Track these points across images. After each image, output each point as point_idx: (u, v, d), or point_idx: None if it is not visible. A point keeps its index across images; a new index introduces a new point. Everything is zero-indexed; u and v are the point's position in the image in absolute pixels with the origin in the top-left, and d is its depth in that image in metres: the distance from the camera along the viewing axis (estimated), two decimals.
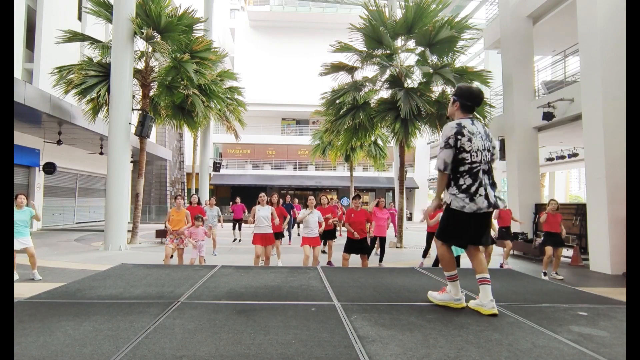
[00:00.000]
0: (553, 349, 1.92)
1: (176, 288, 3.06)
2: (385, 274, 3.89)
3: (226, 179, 26.77)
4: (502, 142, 11.26)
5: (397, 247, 10.78)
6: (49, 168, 13.51)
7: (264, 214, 6.00)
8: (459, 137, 2.45)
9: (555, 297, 3.04)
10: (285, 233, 9.45)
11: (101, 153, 15.31)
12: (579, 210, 8.94)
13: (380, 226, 7.19)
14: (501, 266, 7.54)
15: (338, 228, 7.19)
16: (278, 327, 2.17)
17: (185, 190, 24.51)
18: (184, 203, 8.51)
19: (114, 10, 9.84)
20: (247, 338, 1.98)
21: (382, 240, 7.50)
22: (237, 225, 11.54)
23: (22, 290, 4.41)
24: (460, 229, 2.54)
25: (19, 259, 6.97)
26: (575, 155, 15.41)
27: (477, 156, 2.46)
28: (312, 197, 6.45)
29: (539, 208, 10.36)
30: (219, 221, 9.52)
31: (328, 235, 7.66)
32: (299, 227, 6.48)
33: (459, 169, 2.48)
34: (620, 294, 4.65)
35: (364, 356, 1.78)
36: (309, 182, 26.77)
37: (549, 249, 6.70)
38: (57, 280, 5.41)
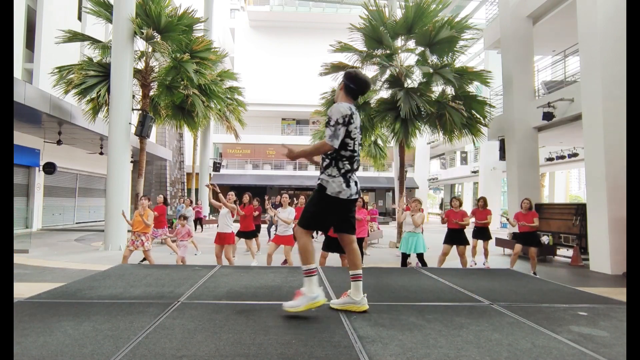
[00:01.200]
0: (553, 349, 1.92)
1: (176, 288, 3.06)
2: (385, 274, 3.89)
3: (226, 179, 26.76)
4: (502, 142, 11.26)
5: (397, 247, 10.77)
6: (49, 168, 13.50)
7: (224, 212, 5.93)
8: (352, 120, 2.45)
9: (555, 297, 3.04)
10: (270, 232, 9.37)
11: (101, 153, 15.31)
12: (579, 210, 8.94)
13: (358, 226, 7.00)
14: (484, 265, 7.53)
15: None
16: (278, 327, 2.17)
17: (185, 190, 24.51)
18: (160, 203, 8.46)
19: (114, 10, 9.84)
20: (247, 338, 1.98)
21: (360, 240, 7.35)
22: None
23: (22, 290, 4.41)
24: (332, 215, 2.49)
25: (18, 259, 6.98)
26: (575, 155, 15.40)
27: (357, 145, 2.51)
28: (286, 195, 6.38)
29: (539, 208, 10.35)
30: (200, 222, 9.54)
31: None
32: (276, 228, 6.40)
33: (341, 152, 2.45)
34: (620, 294, 4.65)
35: (364, 356, 1.78)
36: (309, 182, 26.76)
37: (517, 246, 6.70)
38: (57, 280, 5.41)
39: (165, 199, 8.56)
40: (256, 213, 8.31)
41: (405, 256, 6.15)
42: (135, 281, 3.29)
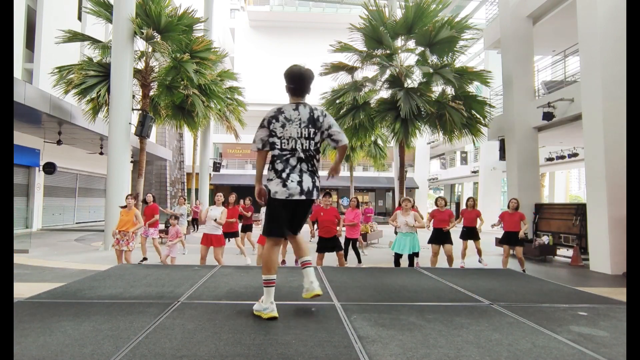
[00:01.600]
0: (553, 349, 1.92)
1: (176, 288, 3.06)
2: (385, 274, 3.89)
3: (226, 179, 26.77)
4: (502, 142, 11.26)
5: None
6: (49, 168, 13.50)
7: (214, 214, 5.85)
8: (273, 121, 2.43)
9: (555, 297, 3.04)
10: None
11: (101, 153, 15.31)
12: (579, 210, 8.94)
13: (350, 227, 6.89)
14: (480, 262, 7.56)
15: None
16: (278, 327, 2.17)
17: (185, 190, 24.50)
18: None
19: (114, 10, 9.84)
20: (247, 338, 1.99)
21: (353, 241, 7.22)
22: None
23: (22, 290, 4.40)
24: (277, 216, 2.45)
25: (18, 259, 6.98)
26: (575, 155, 15.40)
27: (287, 144, 2.41)
28: (219, 194, 6.26)
29: (539, 208, 10.35)
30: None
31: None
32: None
33: (271, 152, 2.46)
34: (620, 294, 4.65)
35: (364, 356, 1.78)
36: None
37: (505, 248, 6.73)
38: (57, 280, 5.41)
39: (154, 197, 8.47)
40: (249, 213, 8.31)
41: (398, 256, 6.12)
42: (135, 281, 3.29)
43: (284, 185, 2.38)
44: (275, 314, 2.32)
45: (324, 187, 25.99)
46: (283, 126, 2.42)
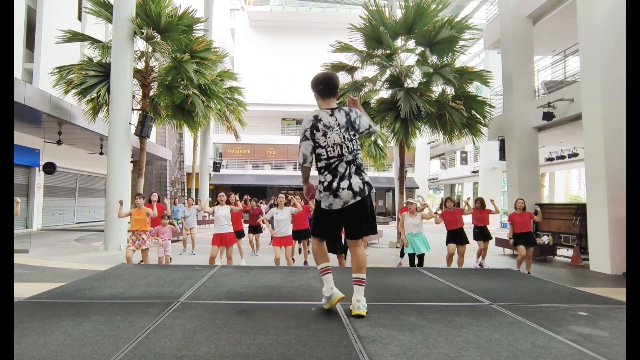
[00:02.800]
0: (553, 349, 1.92)
1: (176, 288, 3.06)
2: (385, 274, 3.89)
3: (226, 179, 26.77)
4: (502, 142, 11.25)
5: (397, 247, 10.77)
6: (49, 168, 13.50)
7: (223, 213, 5.90)
8: (314, 131, 2.45)
9: (555, 297, 3.04)
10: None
11: (101, 153, 15.30)
12: (579, 210, 8.94)
13: None
14: (480, 265, 7.51)
15: None
16: (278, 327, 2.17)
17: (186, 190, 24.50)
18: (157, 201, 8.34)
19: (114, 10, 9.83)
20: (247, 338, 1.99)
21: None
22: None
23: (22, 290, 4.40)
24: (331, 224, 2.53)
25: (18, 259, 6.98)
26: (575, 155, 15.39)
27: (333, 151, 2.42)
28: (282, 195, 6.35)
29: (540, 208, 10.34)
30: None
31: (302, 234, 7.22)
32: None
33: (318, 164, 2.48)
34: (620, 294, 4.64)
35: (364, 356, 1.78)
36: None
37: (521, 248, 6.62)
38: (57, 280, 5.41)
39: (159, 197, 8.48)
40: (260, 216, 8.31)
41: (412, 256, 6.23)
42: (135, 281, 3.29)
43: (336, 196, 2.41)
44: (340, 295, 2.43)
45: None
46: (325, 134, 2.43)
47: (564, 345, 1.98)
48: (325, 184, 2.43)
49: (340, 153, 2.42)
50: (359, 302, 2.41)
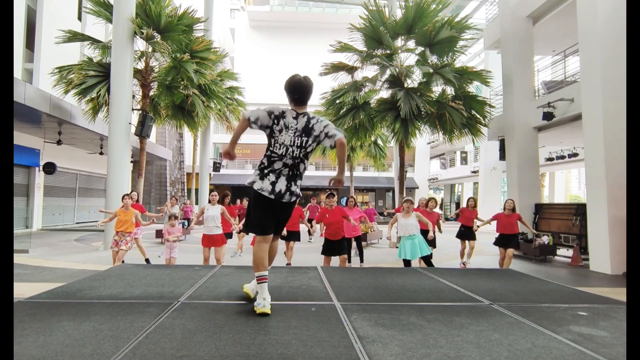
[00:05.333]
0: (553, 349, 1.92)
1: (176, 288, 3.06)
2: (385, 274, 3.89)
3: (226, 179, 26.78)
4: (502, 142, 11.26)
5: (396, 247, 10.77)
6: (49, 168, 13.50)
7: (212, 214, 5.78)
8: (276, 121, 2.53)
9: (555, 297, 3.04)
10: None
11: (101, 153, 15.31)
12: (579, 210, 8.94)
13: (350, 227, 6.70)
14: (464, 265, 7.50)
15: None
16: (278, 327, 2.17)
17: (185, 190, 24.50)
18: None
19: (114, 10, 9.83)
20: (247, 338, 1.98)
21: (357, 240, 7.25)
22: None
23: (22, 290, 4.40)
24: (254, 210, 2.57)
25: (18, 259, 6.98)
26: (575, 155, 15.40)
27: (279, 149, 2.51)
28: (214, 193, 6.15)
29: (539, 208, 10.35)
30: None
31: (292, 236, 7.11)
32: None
33: (266, 151, 2.58)
34: (620, 294, 4.64)
35: (364, 356, 1.78)
36: (309, 182, 26.76)
37: (502, 250, 6.60)
38: (57, 280, 5.41)
39: (138, 196, 8.44)
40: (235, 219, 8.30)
41: (407, 262, 5.54)
42: (135, 281, 3.29)
43: (261, 179, 2.53)
44: (264, 309, 2.36)
45: (324, 187, 25.83)
46: (281, 131, 2.52)
47: (564, 345, 1.98)
48: (261, 166, 2.56)
49: (283, 154, 2.52)
50: (265, 300, 2.43)
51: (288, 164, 2.54)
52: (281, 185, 2.52)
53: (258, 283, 2.47)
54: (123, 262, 6.98)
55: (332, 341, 1.96)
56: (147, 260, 7.24)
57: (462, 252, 7.64)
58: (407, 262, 5.52)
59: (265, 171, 2.53)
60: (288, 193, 2.54)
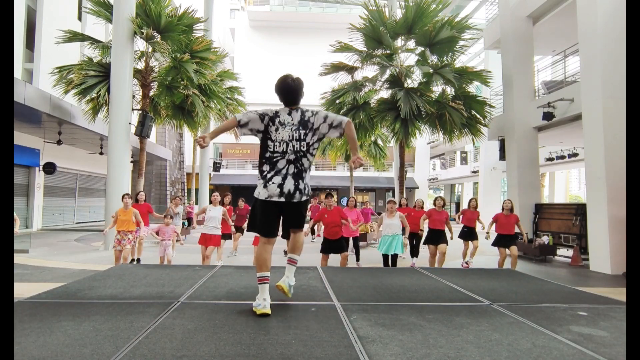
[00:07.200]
0: (553, 349, 1.92)
1: (176, 288, 3.06)
2: (385, 274, 3.89)
3: (226, 179, 26.77)
4: (502, 142, 11.26)
5: None
6: (49, 168, 13.49)
7: (214, 215, 5.90)
8: (270, 123, 2.52)
9: (555, 297, 3.04)
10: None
11: (101, 153, 15.30)
12: (579, 210, 8.94)
13: (348, 226, 6.77)
14: (467, 264, 7.51)
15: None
16: (278, 327, 2.17)
17: (185, 191, 24.49)
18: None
19: (114, 10, 9.83)
20: (247, 338, 1.98)
21: (354, 240, 7.31)
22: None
23: (22, 290, 4.40)
24: (257, 214, 2.55)
25: (18, 259, 6.97)
26: (575, 155, 15.40)
27: (279, 146, 2.49)
28: (216, 194, 6.25)
29: (539, 208, 10.35)
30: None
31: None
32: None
33: (264, 154, 2.55)
34: (620, 294, 4.64)
35: (364, 356, 1.78)
36: (310, 182, 26.76)
37: (502, 250, 6.57)
38: (57, 280, 5.41)
39: (145, 197, 8.44)
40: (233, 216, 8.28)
41: (385, 257, 6.20)
42: (135, 281, 3.29)
43: (265, 187, 2.48)
44: (265, 310, 2.36)
45: (324, 187, 25.81)
46: (277, 130, 2.50)
47: (564, 345, 1.98)
48: (263, 173, 2.52)
49: (284, 150, 2.50)
50: (287, 279, 2.58)
51: (291, 159, 2.51)
52: (289, 185, 2.48)
53: (259, 284, 2.46)
54: (138, 260, 7.01)
55: (332, 341, 1.96)
56: (137, 260, 7.24)
57: (464, 252, 7.65)
58: (385, 257, 6.18)
59: (269, 176, 2.48)
60: (298, 192, 2.50)
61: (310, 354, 1.79)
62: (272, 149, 2.51)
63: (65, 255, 8.33)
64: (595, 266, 7.52)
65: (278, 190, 2.46)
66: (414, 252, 7.57)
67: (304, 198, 2.55)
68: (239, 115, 2.56)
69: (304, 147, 2.52)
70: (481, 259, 8.01)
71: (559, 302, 2.86)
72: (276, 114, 2.55)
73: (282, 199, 2.47)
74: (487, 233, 6.83)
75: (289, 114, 2.55)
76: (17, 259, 7.34)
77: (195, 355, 1.76)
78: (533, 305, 2.75)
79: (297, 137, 2.50)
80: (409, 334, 2.09)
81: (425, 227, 6.86)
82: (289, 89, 2.58)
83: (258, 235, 2.61)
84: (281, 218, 2.59)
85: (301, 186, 2.52)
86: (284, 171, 2.49)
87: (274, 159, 2.50)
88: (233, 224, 6.64)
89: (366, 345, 1.92)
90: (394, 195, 22.89)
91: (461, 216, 7.66)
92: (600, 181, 7.42)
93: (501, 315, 2.47)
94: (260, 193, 2.49)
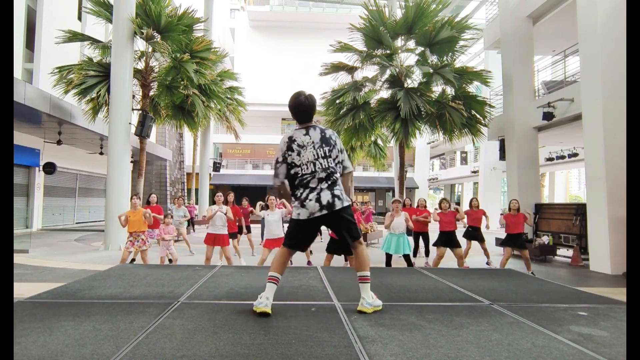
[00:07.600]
0: (553, 349, 1.92)
1: (176, 288, 3.06)
2: (385, 274, 3.89)
3: (226, 179, 26.77)
4: (502, 142, 11.25)
5: None
6: (49, 168, 13.50)
7: (219, 214, 5.88)
8: (289, 152, 2.53)
9: (555, 297, 3.04)
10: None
11: (101, 153, 15.30)
12: (579, 210, 8.94)
13: None
14: (488, 264, 7.55)
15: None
16: (278, 327, 2.17)
17: (185, 191, 24.49)
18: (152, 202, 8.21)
19: (114, 10, 9.83)
20: (247, 338, 1.99)
21: None
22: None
23: (22, 290, 4.40)
24: (298, 234, 2.58)
25: (18, 259, 6.98)
26: (575, 155, 15.40)
27: (307, 168, 2.51)
28: (272, 197, 6.29)
29: (539, 208, 10.35)
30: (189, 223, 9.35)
31: None
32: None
33: (294, 182, 2.57)
34: (620, 294, 4.64)
35: (364, 356, 1.78)
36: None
37: (508, 250, 6.65)
38: (57, 280, 5.41)
39: (157, 199, 8.44)
40: (251, 215, 8.32)
41: (389, 256, 6.19)
42: (135, 281, 3.29)
43: (303, 206, 2.49)
44: (265, 309, 2.36)
45: None
46: (299, 154, 2.51)
47: (564, 345, 1.98)
48: (297, 196, 2.55)
49: (313, 170, 2.51)
50: (364, 300, 2.49)
51: (322, 177, 2.51)
52: (326, 196, 2.48)
53: (268, 282, 2.47)
54: (133, 260, 6.97)
55: (332, 341, 1.96)
56: (132, 260, 7.23)
57: (466, 251, 7.65)
58: (389, 257, 6.15)
59: (303, 196, 2.50)
60: (336, 199, 2.50)
61: (310, 354, 1.79)
62: (300, 174, 2.53)
63: (65, 255, 8.33)
64: (595, 266, 7.52)
65: (317, 205, 2.46)
66: (425, 252, 7.68)
67: (346, 203, 2.53)
68: (277, 180, 2.62)
69: (331, 163, 2.54)
70: (482, 258, 8.00)
71: (559, 302, 2.86)
72: (291, 139, 2.54)
73: (325, 212, 2.47)
74: (487, 226, 7.18)
75: (306, 134, 2.55)
76: (17, 259, 7.34)
77: (195, 355, 1.76)
78: (533, 305, 2.75)
79: (323, 155, 2.52)
80: (409, 334, 2.09)
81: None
82: (304, 107, 2.58)
83: (286, 247, 2.62)
84: (335, 236, 2.67)
85: (337, 193, 2.53)
86: (317, 188, 2.50)
87: (305, 181, 2.52)
88: (238, 224, 6.64)
89: (366, 345, 1.92)
90: (394, 195, 22.89)
91: (466, 217, 7.66)
92: (600, 181, 7.42)
93: (501, 315, 2.48)
94: (301, 214, 2.50)
